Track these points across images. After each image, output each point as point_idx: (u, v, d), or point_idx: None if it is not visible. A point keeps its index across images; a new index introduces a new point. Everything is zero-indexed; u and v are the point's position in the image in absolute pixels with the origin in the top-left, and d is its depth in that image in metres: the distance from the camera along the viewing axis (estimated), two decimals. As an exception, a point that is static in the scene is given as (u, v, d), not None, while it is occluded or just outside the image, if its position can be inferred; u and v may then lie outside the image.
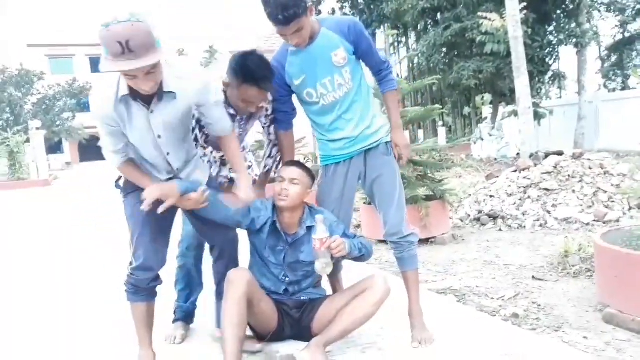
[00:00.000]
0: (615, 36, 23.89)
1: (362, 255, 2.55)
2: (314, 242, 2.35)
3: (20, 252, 5.93)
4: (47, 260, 5.32)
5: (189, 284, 2.93)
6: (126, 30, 1.81)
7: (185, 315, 2.91)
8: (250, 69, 2.38)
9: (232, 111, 2.55)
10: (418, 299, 2.67)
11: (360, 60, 2.59)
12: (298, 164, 2.60)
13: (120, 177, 2.37)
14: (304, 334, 2.54)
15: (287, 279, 2.55)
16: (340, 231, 2.53)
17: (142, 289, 2.39)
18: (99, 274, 4.43)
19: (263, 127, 2.83)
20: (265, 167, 2.88)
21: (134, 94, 2.05)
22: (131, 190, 2.32)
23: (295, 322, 2.57)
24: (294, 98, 2.68)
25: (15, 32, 42.31)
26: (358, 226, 5.90)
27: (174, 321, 2.89)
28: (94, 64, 41.16)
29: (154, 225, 2.32)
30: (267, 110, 2.69)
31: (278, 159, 2.85)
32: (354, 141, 2.59)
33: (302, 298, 2.59)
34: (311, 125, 2.72)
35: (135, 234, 2.33)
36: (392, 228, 2.62)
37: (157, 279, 2.42)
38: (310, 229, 2.50)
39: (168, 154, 2.26)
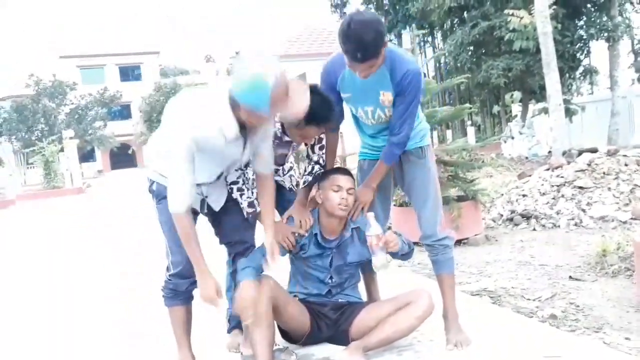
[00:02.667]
0: (648, 29, 23.24)
1: (409, 252, 2.57)
2: (369, 239, 2.37)
3: (57, 258, 6.09)
4: (78, 264, 5.45)
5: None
6: None
7: (240, 322, 2.69)
8: (314, 112, 2.36)
9: (286, 138, 2.59)
10: (454, 302, 2.64)
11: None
12: (349, 173, 2.59)
13: (153, 182, 2.35)
14: (341, 337, 2.55)
15: (332, 281, 2.60)
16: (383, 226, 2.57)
17: (181, 292, 2.41)
18: (136, 276, 4.52)
19: (309, 146, 2.81)
20: (305, 182, 2.83)
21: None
22: (165, 195, 2.26)
23: (332, 324, 2.59)
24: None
25: (48, 45, 43.50)
26: (389, 228, 5.87)
27: (230, 329, 2.82)
28: (124, 73, 42.07)
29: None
30: (321, 138, 2.72)
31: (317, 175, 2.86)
32: None
33: (339, 300, 2.62)
34: (356, 127, 2.74)
35: (171, 239, 2.32)
36: (427, 230, 2.63)
37: (195, 282, 2.37)
38: (354, 231, 2.55)
39: (226, 175, 2.39)
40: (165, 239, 2.36)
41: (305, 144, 2.75)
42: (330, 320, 2.59)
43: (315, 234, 2.55)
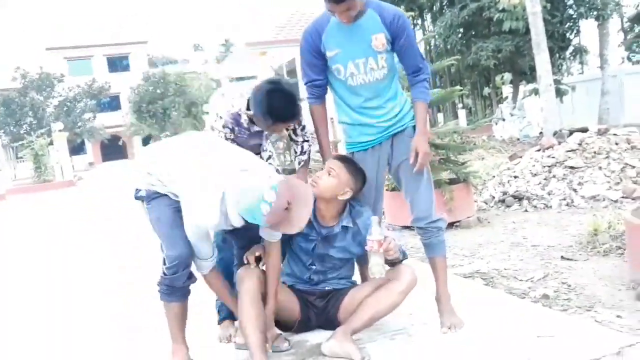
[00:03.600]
0: (638, 6, 23.18)
1: (402, 260, 2.51)
2: (369, 243, 2.30)
3: (53, 252, 6.05)
4: (72, 258, 5.42)
5: (230, 278, 2.70)
6: None
7: (231, 312, 2.70)
8: (278, 111, 2.40)
9: (256, 128, 2.56)
10: (446, 285, 2.63)
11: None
12: (345, 159, 2.54)
13: (139, 189, 2.38)
14: (331, 323, 2.53)
15: (313, 267, 2.57)
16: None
17: (178, 288, 2.35)
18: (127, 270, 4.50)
19: (292, 130, 2.79)
20: (299, 162, 2.84)
21: None
22: (155, 196, 2.32)
23: (321, 312, 2.58)
24: None
25: (33, 37, 42.95)
26: (382, 212, 5.87)
27: (220, 320, 2.77)
28: (112, 63, 41.66)
29: (180, 223, 2.28)
30: (300, 121, 2.70)
31: (309, 152, 2.85)
32: (380, 128, 2.56)
33: (326, 288, 2.59)
34: (337, 109, 2.66)
35: (166, 234, 2.30)
36: (420, 212, 2.58)
37: (191, 277, 2.38)
38: (346, 228, 2.50)
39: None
40: (160, 235, 2.33)
41: (286, 129, 2.71)
42: (318, 309, 2.58)
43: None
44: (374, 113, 2.54)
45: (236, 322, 2.60)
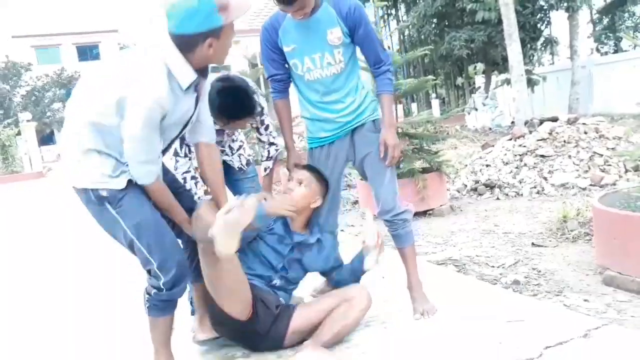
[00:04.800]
0: (606, -2, 23.65)
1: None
2: (369, 239, 2.40)
3: (20, 247, 5.92)
4: (46, 255, 5.31)
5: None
6: None
7: None
8: (230, 109, 2.39)
9: (216, 126, 2.42)
10: (416, 272, 2.66)
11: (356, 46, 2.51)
12: (310, 168, 2.53)
13: (96, 190, 1.88)
14: (276, 336, 2.31)
15: (282, 272, 2.43)
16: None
17: (175, 301, 2.05)
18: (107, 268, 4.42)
19: (255, 128, 2.78)
20: (265, 169, 2.81)
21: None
22: (122, 194, 1.89)
23: (272, 318, 2.28)
24: None
25: (-1, 24, 41.68)
26: (356, 202, 5.90)
27: (194, 311, 2.55)
28: (81, 52, 40.72)
29: (164, 222, 2.00)
30: (262, 120, 2.69)
31: (275, 157, 2.83)
32: (340, 124, 2.54)
33: (280, 299, 2.42)
34: (299, 104, 2.64)
35: (154, 242, 1.93)
36: (384, 205, 2.58)
37: (186, 286, 2.09)
38: (319, 241, 2.49)
39: (174, 139, 2.08)
40: (140, 243, 1.93)
41: (250, 125, 2.70)
42: (271, 313, 2.28)
43: (286, 218, 2.46)
44: (333, 107, 2.51)
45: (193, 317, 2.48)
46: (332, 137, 2.57)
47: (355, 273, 2.54)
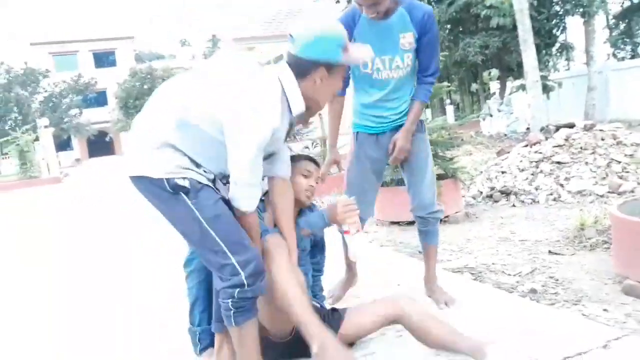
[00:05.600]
0: (623, 3, 23.42)
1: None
2: (351, 226, 2.20)
3: (33, 250, 5.99)
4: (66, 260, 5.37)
5: (210, 300, 2.25)
6: None
7: (213, 340, 2.28)
8: None
9: None
10: (435, 269, 2.83)
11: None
12: (317, 163, 2.48)
13: (173, 179, 1.82)
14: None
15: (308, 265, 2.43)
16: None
17: (256, 302, 1.96)
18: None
19: None
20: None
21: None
22: (201, 187, 1.86)
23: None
24: None
25: (17, 32, 42.40)
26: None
27: (201, 350, 2.34)
28: (98, 59, 41.26)
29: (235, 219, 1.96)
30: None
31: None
32: (391, 119, 2.64)
33: (322, 304, 2.39)
34: (355, 94, 2.70)
35: (234, 234, 1.88)
36: (423, 200, 2.70)
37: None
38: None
39: None
40: (217, 236, 1.85)
41: None
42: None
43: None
44: (390, 106, 2.62)
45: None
46: (379, 129, 2.67)
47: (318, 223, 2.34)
